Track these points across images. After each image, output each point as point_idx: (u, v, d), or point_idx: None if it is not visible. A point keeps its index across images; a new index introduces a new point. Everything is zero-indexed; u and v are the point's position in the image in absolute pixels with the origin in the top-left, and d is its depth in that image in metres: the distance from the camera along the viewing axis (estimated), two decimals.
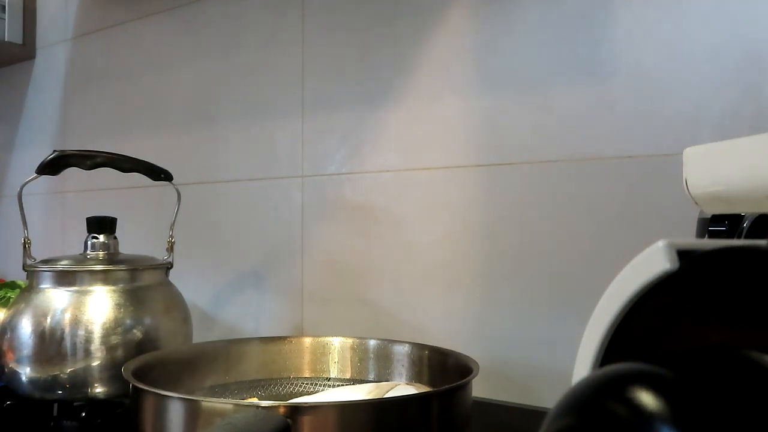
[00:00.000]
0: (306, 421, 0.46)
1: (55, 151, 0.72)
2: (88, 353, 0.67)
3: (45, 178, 0.73)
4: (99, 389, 0.67)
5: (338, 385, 0.72)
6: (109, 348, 0.67)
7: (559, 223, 0.71)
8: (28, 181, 0.71)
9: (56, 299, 0.68)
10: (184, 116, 1.08)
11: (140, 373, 0.58)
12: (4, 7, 1.30)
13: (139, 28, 1.16)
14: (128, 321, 0.69)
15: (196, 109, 1.06)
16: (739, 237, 0.36)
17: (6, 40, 1.31)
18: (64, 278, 0.70)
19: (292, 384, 0.73)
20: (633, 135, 0.67)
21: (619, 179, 0.68)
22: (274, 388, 0.73)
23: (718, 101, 0.62)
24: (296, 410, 0.46)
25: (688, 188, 0.31)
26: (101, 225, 0.75)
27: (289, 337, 0.77)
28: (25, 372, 0.67)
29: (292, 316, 0.93)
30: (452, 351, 0.66)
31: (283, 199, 0.94)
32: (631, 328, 0.25)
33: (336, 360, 0.74)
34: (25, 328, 0.67)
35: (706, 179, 0.30)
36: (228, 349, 0.73)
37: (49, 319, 0.67)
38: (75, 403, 0.68)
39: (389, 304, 0.83)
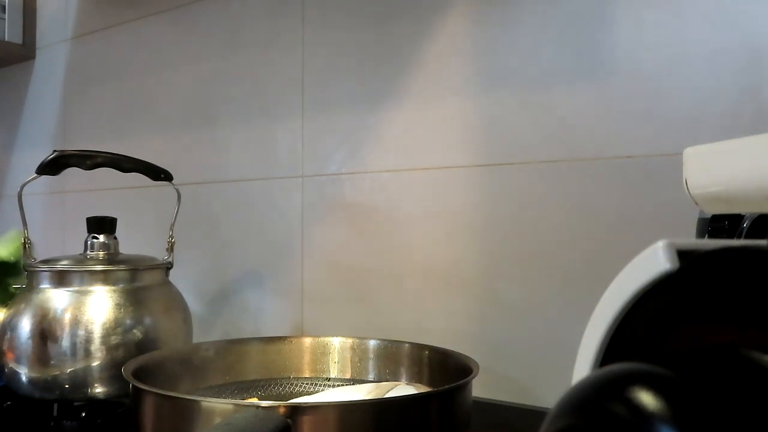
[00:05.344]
0: (306, 421, 0.46)
1: (55, 151, 0.72)
2: (88, 353, 0.67)
3: (45, 178, 0.73)
4: (99, 389, 0.67)
5: (338, 385, 0.72)
6: (109, 348, 0.67)
7: (559, 223, 0.71)
8: (28, 181, 0.71)
9: (56, 299, 0.68)
10: (184, 116, 1.08)
11: (140, 373, 0.58)
12: (4, 7, 1.30)
13: (139, 28, 1.16)
14: (128, 321, 0.69)
15: (196, 109, 1.06)
16: (739, 237, 0.36)
17: (6, 40, 1.31)
18: (64, 278, 0.70)
19: (292, 384, 0.73)
20: (633, 135, 0.67)
21: (619, 179, 0.68)
22: (274, 388, 0.73)
23: (718, 101, 0.62)
24: (296, 410, 0.46)
25: (688, 188, 0.31)
26: (101, 225, 0.75)
27: (289, 337, 0.77)
28: (25, 372, 0.67)
29: (292, 316, 0.93)
30: (452, 351, 0.66)
31: (283, 199, 0.94)
32: (631, 328, 0.25)
33: (336, 360, 0.74)
34: (25, 328, 0.67)
35: (706, 179, 0.30)
36: (228, 349, 0.73)
37: (49, 319, 0.67)
38: (75, 403, 0.68)
39: (389, 304, 0.83)
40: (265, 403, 0.47)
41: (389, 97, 0.84)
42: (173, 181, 0.79)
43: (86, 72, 1.25)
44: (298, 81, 0.93)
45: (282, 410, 0.45)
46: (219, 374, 0.71)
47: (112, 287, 0.70)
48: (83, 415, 0.66)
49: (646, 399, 0.19)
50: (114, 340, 0.68)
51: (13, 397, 0.69)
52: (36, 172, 0.71)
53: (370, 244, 0.85)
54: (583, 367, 0.26)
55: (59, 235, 1.28)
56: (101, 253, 0.74)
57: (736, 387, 0.19)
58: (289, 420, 0.45)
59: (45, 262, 0.72)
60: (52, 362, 0.66)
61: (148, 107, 1.14)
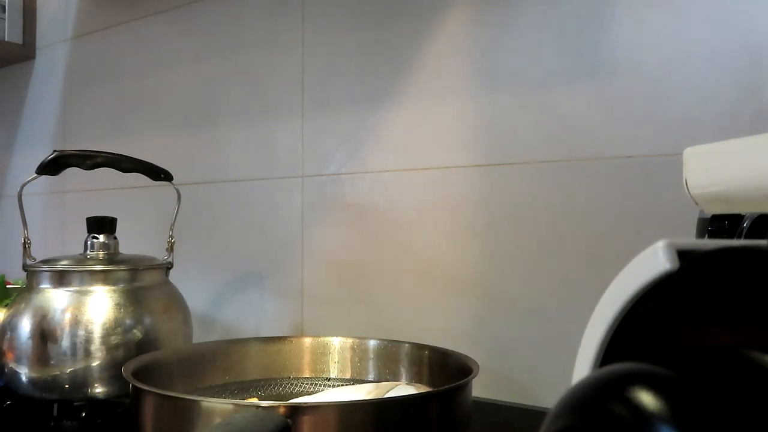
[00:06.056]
0: (306, 421, 0.46)
1: (55, 151, 0.72)
2: (88, 353, 0.67)
3: (45, 178, 0.73)
4: (99, 389, 0.67)
5: (338, 385, 0.72)
6: (109, 348, 0.67)
7: (559, 223, 0.71)
8: (28, 181, 0.71)
9: (56, 299, 0.68)
10: (184, 116, 1.08)
11: (140, 373, 0.58)
12: (4, 7, 1.30)
13: (139, 28, 1.16)
14: (128, 321, 0.69)
15: (196, 109, 1.06)
16: (739, 237, 0.36)
17: (6, 40, 1.32)
18: (64, 278, 0.70)
19: (292, 384, 0.73)
20: (633, 135, 0.67)
21: (619, 179, 0.68)
22: (274, 388, 0.73)
23: (718, 101, 0.62)
24: (296, 410, 0.46)
25: (688, 188, 0.31)
26: (101, 225, 0.75)
27: (289, 337, 0.77)
28: (25, 372, 0.67)
29: (292, 316, 0.93)
30: (452, 351, 0.66)
31: (283, 199, 0.94)
32: (631, 328, 0.25)
33: (336, 360, 0.74)
34: (25, 328, 0.67)
35: (706, 179, 0.30)
36: (228, 349, 0.73)
37: (49, 319, 0.67)
38: (75, 403, 0.68)
39: (389, 304, 0.83)
40: (265, 403, 0.47)
41: (389, 97, 0.84)
42: (173, 181, 0.79)
43: (86, 72, 1.25)
44: (298, 81, 0.93)
45: (282, 410, 0.45)
46: (219, 374, 0.71)
47: (112, 287, 0.70)
48: (83, 415, 0.66)
49: (646, 399, 0.19)
50: (114, 340, 0.68)
51: (13, 397, 0.69)
52: (36, 172, 0.71)
53: (370, 244, 0.85)
54: (583, 367, 0.26)
55: (59, 235, 1.28)
56: (101, 253, 0.73)
57: (736, 387, 0.19)
58: (289, 420, 0.45)
59: (45, 262, 0.72)
60: (52, 362, 0.66)
61: (148, 107, 1.14)
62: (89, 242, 0.74)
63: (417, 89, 0.82)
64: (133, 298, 0.71)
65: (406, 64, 0.83)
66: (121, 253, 0.76)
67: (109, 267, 0.71)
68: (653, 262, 0.24)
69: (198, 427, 0.48)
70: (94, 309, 0.68)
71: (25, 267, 0.72)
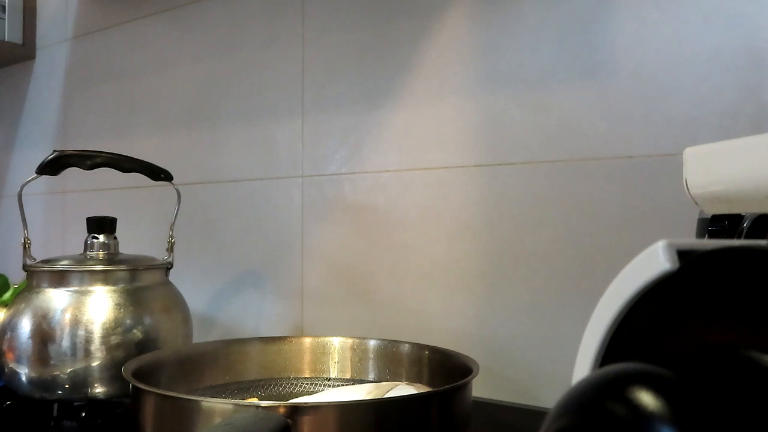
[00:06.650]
0: (306, 421, 0.46)
1: (55, 151, 0.72)
2: (88, 353, 0.67)
3: (45, 178, 0.73)
4: (99, 389, 0.67)
5: (338, 385, 0.72)
6: (109, 348, 0.67)
7: (559, 223, 0.71)
8: (28, 181, 0.71)
9: (56, 299, 0.68)
10: (184, 116, 1.08)
11: (140, 373, 0.58)
12: (4, 7, 1.30)
13: (139, 28, 1.16)
14: (128, 321, 0.69)
15: (196, 109, 1.06)
16: (739, 237, 0.36)
17: (6, 40, 1.32)
18: (64, 278, 0.69)
19: (292, 384, 0.73)
20: (633, 135, 0.67)
21: (619, 179, 0.68)
22: (274, 388, 0.73)
23: (718, 101, 0.62)
24: (296, 410, 0.46)
25: (688, 188, 0.31)
26: (101, 225, 0.75)
27: (289, 337, 0.77)
28: (25, 372, 0.67)
29: (292, 316, 0.93)
30: (452, 351, 0.66)
31: (283, 199, 0.94)
32: (631, 328, 0.25)
33: (336, 360, 0.74)
34: (25, 328, 0.67)
35: (706, 179, 0.30)
36: (228, 349, 0.73)
37: (49, 319, 0.67)
38: (75, 403, 0.68)
39: (389, 304, 0.83)
40: (265, 403, 0.47)
41: (389, 96, 0.84)
42: (173, 181, 0.79)
43: (86, 72, 1.25)
44: (298, 81, 0.93)
45: (282, 410, 0.45)
46: (219, 374, 0.71)
47: (112, 287, 0.70)
48: (83, 415, 0.66)
49: (646, 399, 0.19)
50: (114, 340, 0.68)
51: (13, 397, 0.69)
52: (36, 172, 0.71)
53: (370, 244, 0.85)
54: (583, 367, 0.26)
55: (59, 235, 1.28)
56: (101, 253, 0.73)
57: (736, 387, 0.19)
58: (289, 420, 0.45)
59: (45, 262, 0.72)
60: (52, 362, 0.66)
61: (148, 107, 1.14)
62: (89, 242, 0.74)
63: (417, 89, 0.82)
64: (133, 298, 0.71)
65: (406, 64, 0.83)
66: (121, 253, 0.76)
67: (109, 267, 0.71)
68: (653, 262, 0.24)
69: (198, 427, 0.48)
70: (94, 309, 0.68)
71: (25, 267, 0.72)
